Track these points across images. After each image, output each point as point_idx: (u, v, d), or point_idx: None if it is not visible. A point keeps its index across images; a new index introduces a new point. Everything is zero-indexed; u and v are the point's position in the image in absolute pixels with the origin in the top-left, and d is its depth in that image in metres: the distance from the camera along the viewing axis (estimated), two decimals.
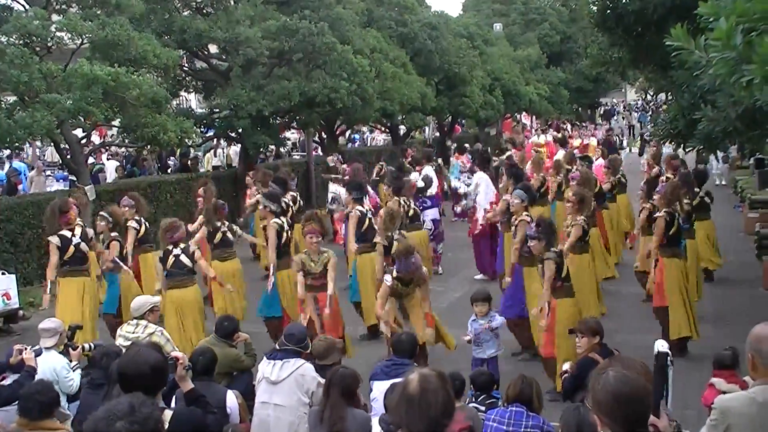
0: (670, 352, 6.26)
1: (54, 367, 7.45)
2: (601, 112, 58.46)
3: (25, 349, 7.23)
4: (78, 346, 7.97)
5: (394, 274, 9.09)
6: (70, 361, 7.78)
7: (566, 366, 7.49)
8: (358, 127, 34.93)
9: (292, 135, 34.58)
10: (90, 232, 10.98)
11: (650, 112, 49.88)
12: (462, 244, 15.72)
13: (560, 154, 19.38)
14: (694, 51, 4.18)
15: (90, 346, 8.36)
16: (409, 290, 9.24)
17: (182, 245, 10.40)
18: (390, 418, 3.70)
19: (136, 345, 6.22)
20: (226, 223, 12.12)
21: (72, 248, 10.63)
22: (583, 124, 44.55)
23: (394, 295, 9.22)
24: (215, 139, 26.06)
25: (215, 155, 28.25)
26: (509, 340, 10.24)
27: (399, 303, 9.30)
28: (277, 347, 6.97)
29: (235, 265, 11.97)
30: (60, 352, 7.84)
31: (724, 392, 5.91)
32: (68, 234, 10.63)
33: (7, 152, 24.17)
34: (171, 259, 10.34)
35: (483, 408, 6.73)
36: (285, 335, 7.04)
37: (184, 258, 10.31)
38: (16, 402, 6.03)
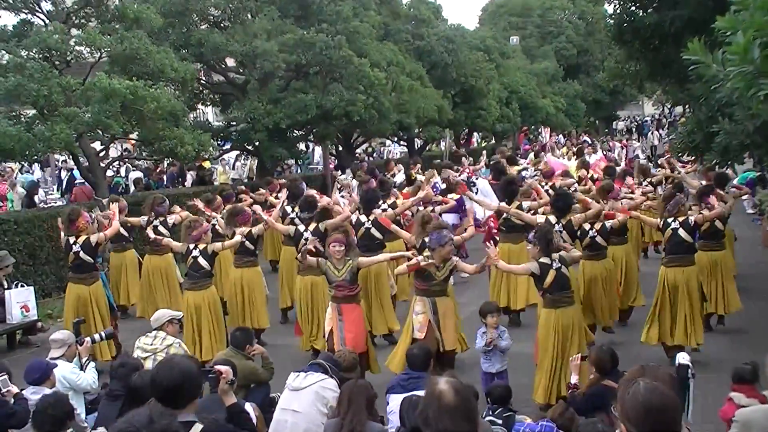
0: (691, 364, 6.21)
1: (63, 375, 7.47)
2: (634, 127, 56.39)
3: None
4: (84, 340, 7.98)
5: (427, 253, 9.16)
6: (80, 357, 7.82)
7: (574, 379, 7.45)
8: (374, 140, 34.94)
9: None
10: (94, 239, 10.89)
11: (666, 127, 48.04)
12: (476, 257, 15.58)
13: (572, 164, 19.10)
14: (711, 65, 4.18)
15: (101, 336, 8.43)
16: (442, 275, 9.20)
17: (201, 246, 10.30)
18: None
19: (169, 356, 6.18)
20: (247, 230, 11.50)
21: (72, 255, 10.87)
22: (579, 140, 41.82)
23: (426, 294, 9.19)
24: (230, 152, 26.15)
25: (233, 168, 28.35)
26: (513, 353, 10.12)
27: (432, 303, 9.20)
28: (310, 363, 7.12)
29: (251, 274, 11.69)
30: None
31: (744, 407, 5.86)
32: (71, 240, 10.87)
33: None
34: (189, 260, 10.35)
35: (500, 421, 6.70)
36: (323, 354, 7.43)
37: (201, 260, 10.26)
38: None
